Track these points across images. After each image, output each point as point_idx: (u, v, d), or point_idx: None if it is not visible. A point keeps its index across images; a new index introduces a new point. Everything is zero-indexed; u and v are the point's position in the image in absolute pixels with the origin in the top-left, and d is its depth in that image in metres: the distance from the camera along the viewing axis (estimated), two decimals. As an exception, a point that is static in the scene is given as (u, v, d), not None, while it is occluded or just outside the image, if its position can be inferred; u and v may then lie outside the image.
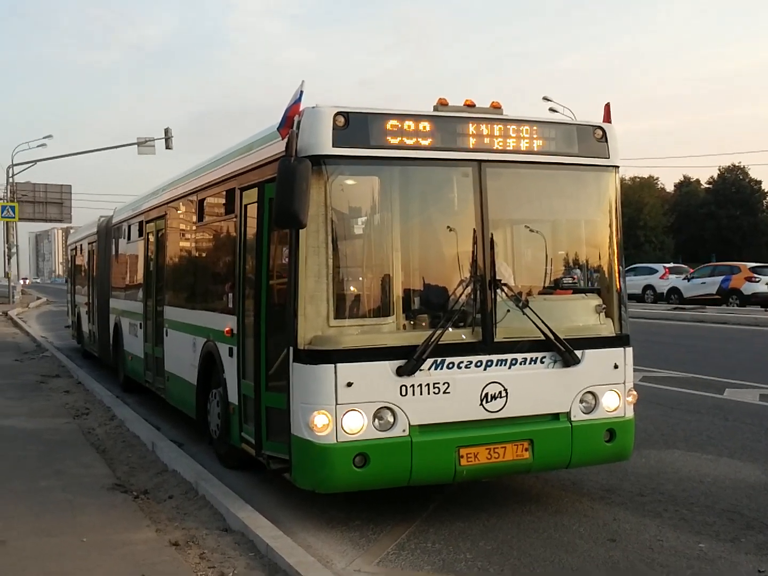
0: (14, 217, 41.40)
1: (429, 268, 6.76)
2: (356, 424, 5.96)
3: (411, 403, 6.07)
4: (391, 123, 6.19)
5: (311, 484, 6.23)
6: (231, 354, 7.68)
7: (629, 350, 6.88)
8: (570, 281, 7.28)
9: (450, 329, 6.23)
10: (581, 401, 6.61)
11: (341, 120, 6.01)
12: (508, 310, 6.44)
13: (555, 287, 7.16)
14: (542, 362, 6.48)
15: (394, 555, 5.87)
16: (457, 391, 6.20)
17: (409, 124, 6.22)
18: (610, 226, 6.99)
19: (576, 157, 6.79)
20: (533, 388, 6.46)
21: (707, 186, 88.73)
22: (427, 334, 6.14)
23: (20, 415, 10.88)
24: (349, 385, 5.93)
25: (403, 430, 6.06)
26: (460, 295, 6.34)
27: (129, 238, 13.75)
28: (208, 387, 8.64)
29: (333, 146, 6.00)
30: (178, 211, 10.72)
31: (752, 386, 12.98)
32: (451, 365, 6.20)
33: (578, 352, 6.54)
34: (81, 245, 19.20)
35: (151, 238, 11.91)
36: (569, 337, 6.53)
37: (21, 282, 66.82)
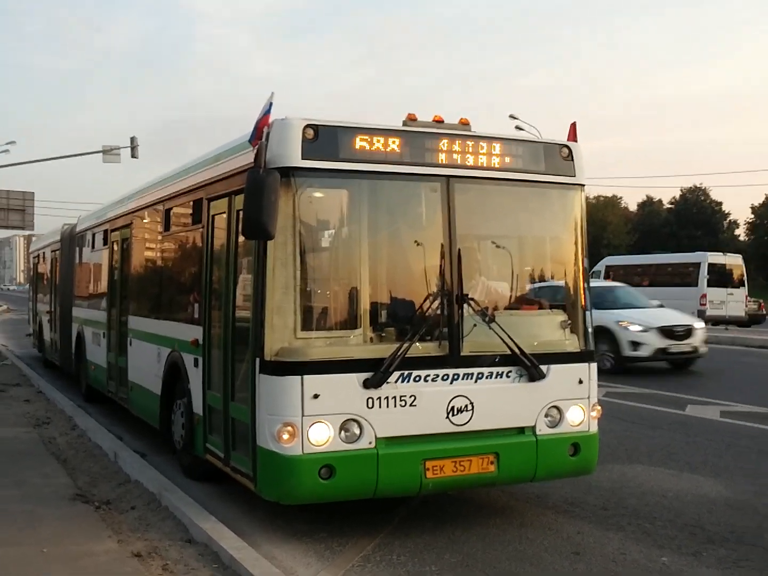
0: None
1: (397, 281, 6.75)
2: (322, 436, 5.93)
3: (377, 415, 6.05)
4: (361, 137, 6.19)
5: (277, 496, 6.19)
6: (196, 364, 7.61)
7: (593, 365, 6.94)
8: (535, 297, 7.33)
9: (417, 343, 6.22)
10: (546, 415, 6.64)
11: (310, 132, 6.00)
12: (475, 325, 6.44)
13: (521, 303, 7.19)
14: (508, 376, 6.48)
15: (359, 567, 5.84)
16: (423, 404, 6.19)
17: (378, 139, 6.22)
18: (575, 243, 7.05)
19: (542, 174, 6.82)
20: (499, 402, 6.47)
21: (669, 206, 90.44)
22: (394, 347, 6.12)
23: (-21, 424, 10.70)
24: (316, 396, 5.90)
25: (370, 443, 6.04)
26: (428, 309, 6.34)
27: (93, 247, 13.55)
28: (172, 398, 8.55)
29: (302, 158, 5.97)
30: (144, 221, 10.59)
31: (713, 403, 13.17)
32: (417, 378, 6.19)
33: (543, 367, 6.55)
34: (44, 253, 18.95)
35: (116, 247, 11.77)
36: (535, 352, 6.55)
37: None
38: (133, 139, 38.35)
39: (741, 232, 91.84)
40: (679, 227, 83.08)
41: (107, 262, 12.26)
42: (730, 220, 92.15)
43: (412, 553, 6.09)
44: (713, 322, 30.37)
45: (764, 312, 36.88)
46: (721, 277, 32.13)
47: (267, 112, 6.11)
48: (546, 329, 7.08)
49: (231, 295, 6.89)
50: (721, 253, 35.36)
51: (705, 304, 31.09)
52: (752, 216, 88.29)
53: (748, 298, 34.53)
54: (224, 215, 7.11)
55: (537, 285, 7.49)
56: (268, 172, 5.79)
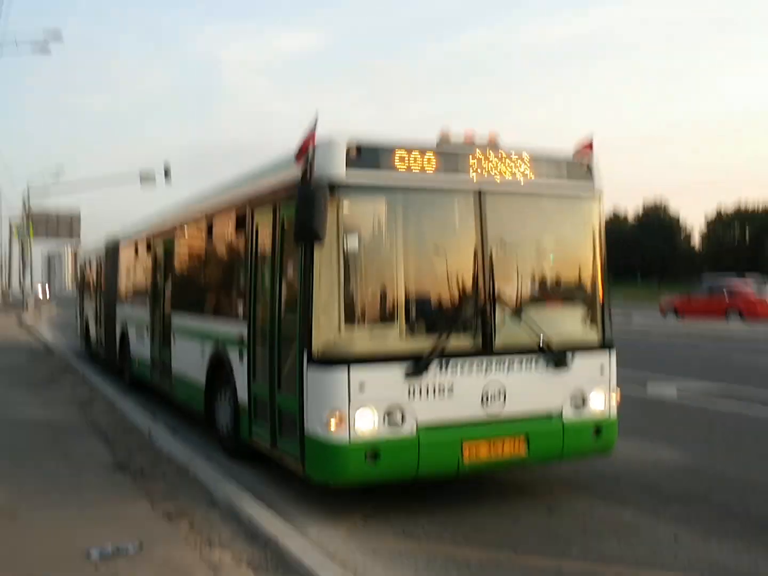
0: (29, 237, 40.72)
1: (432, 282, 6.42)
2: (368, 424, 5.71)
3: (418, 403, 5.86)
4: (399, 154, 6.01)
5: (325, 480, 6.00)
6: (241, 358, 7.37)
7: (613, 355, 6.75)
8: (560, 294, 7.07)
9: (453, 336, 6.03)
10: (571, 401, 6.44)
11: (353, 150, 5.85)
12: (505, 319, 6.29)
13: (547, 299, 6.96)
14: (536, 365, 6.31)
15: (361, 524, 5.87)
16: (460, 392, 6.00)
17: (415, 155, 6.05)
18: (595, 247, 6.87)
19: (564, 188, 6.68)
20: (528, 389, 6.27)
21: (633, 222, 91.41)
22: (433, 340, 5.97)
23: (32, 406, 10.72)
24: (362, 387, 5.70)
25: (411, 429, 5.83)
26: (462, 306, 6.20)
27: (137, 254, 13.37)
28: (215, 388, 8.34)
29: (346, 173, 5.82)
30: (188, 230, 10.34)
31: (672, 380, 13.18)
32: (454, 368, 6.00)
33: (568, 357, 6.40)
34: (90, 260, 18.86)
35: (159, 254, 11.58)
36: (560, 343, 6.39)
37: (40, 292, 65.72)
38: (166, 165, 38.08)
39: (696, 240, 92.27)
40: (645, 239, 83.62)
41: (151, 268, 12.11)
42: (686, 233, 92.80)
43: (406, 513, 6.10)
44: None
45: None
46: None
47: (312, 131, 5.94)
48: (570, 322, 6.87)
49: (276, 294, 6.69)
50: None
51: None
52: (706, 226, 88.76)
53: None
54: (269, 224, 6.90)
55: (561, 283, 7.15)
56: (317, 187, 5.68)
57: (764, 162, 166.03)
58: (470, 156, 6.27)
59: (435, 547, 5.43)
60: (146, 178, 39.07)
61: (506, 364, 6.19)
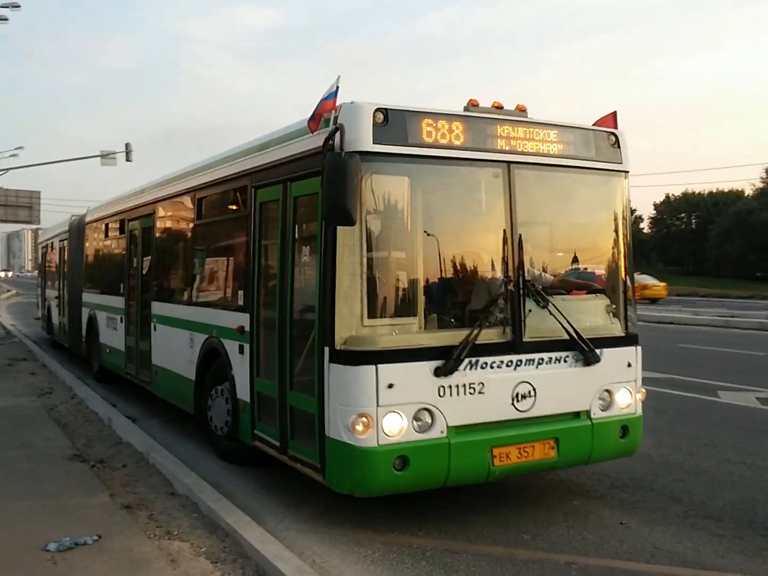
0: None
1: (460, 267, 5.77)
2: (396, 427, 5.06)
3: (448, 403, 5.23)
4: (427, 121, 5.32)
5: (349, 488, 5.29)
6: (241, 351, 6.65)
7: (639, 349, 6.21)
8: (584, 282, 6.49)
9: (483, 329, 5.40)
10: (599, 399, 5.92)
11: (380, 116, 5.14)
12: (533, 310, 5.64)
13: (572, 288, 6.33)
14: (566, 361, 5.74)
15: (320, 515, 5.83)
16: (491, 392, 5.40)
17: (443, 123, 5.36)
18: (621, 229, 6.29)
19: (593, 161, 6.07)
20: (558, 387, 5.71)
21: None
22: (460, 334, 5.32)
23: (-11, 394, 10.47)
24: (390, 386, 5.03)
25: (441, 432, 5.21)
26: (492, 295, 5.59)
27: (107, 236, 12.41)
28: (206, 382, 7.59)
29: (373, 143, 5.11)
30: (170, 210, 9.40)
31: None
32: (484, 365, 5.38)
33: (597, 351, 5.85)
34: (52, 243, 17.83)
35: (136, 236, 10.54)
36: (589, 336, 5.82)
37: (2, 274, 64.10)
38: (127, 145, 37.58)
39: (645, 226, 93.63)
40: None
41: (125, 250, 11.03)
42: (635, 216, 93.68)
43: (364, 504, 6.07)
44: None
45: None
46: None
47: (332, 97, 5.27)
48: (596, 314, 6.27)
49: (287, 283, 5.92)
50: None
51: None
52: (654, 212, 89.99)
53: None
54: (276, 202, 6.15)
55: (586, 270, 6.58)
56: (350, 155, 4.96)
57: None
58: (500, 125, 5.65)
59: (391, 536, 5.43)
60: (107, 157, 38.25)
61: (536, 359, 5.62)
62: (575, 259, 6.39)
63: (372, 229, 5.22)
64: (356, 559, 5.02)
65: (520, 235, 5.59)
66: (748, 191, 59.90)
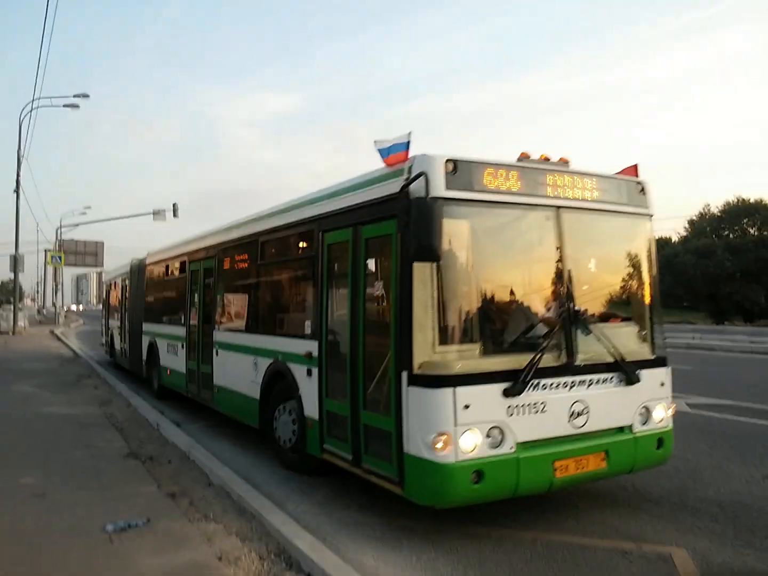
0: (61, 263, 40.04)
1: (517, 299, 5.41)
2: (472, 443, 4.71)
3: (516, 421, 4.89)
4: (488, 170, 5.05)
5: (430, 500, 4.86)
6: (309, 374, 6.22)
7: (669, 370, 5.89)
8: (618, 311, 6.03)
9: (544, 353, 5.07)
10: (639, 414, 5.57)
11: (450, 166, 4.87)
12: (585, 337, 5.33)
13: (610, 316, 5.87)
14: (611, 381, 5.42)
15: (331, 500, 5.78)
16: (551, 410, 5.07)
17: (502, 172, 5.10)
18: (649, 264, 5.96)
19: (625, 206, 5.81)
20: (606, 404, 5.37)
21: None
22: (522, 358, 4.97)
23: (60, 404, 10.39)
24: (467, 407, 4.68)
25: (511, 447, 4.86)
26: (548, 324, 5.25)
27: (168, 274, 11.78)
28: (269, 401, 7.12)
29: (445, 189, 4.82)
30: (235, 251, 8.75)
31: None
32: (545, 386, 5.06)
33: (639, 373, 5.55)
34: (115, 281, 17.37)
35: (198, 274, 9.92)
36: (628, 359, 5.51)
37: (66, 309, 64.06)
38: (174, 205, 38.29)
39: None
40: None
41: (186, 287, 10.48)
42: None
43: (368, 489, 6.02)
44: None
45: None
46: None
47: (403, 149, 5.01)
48: (632, 339, 5.88)
49: (358, 313, 5.49)
50: None
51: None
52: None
53: None
54: (346, 243, 5.74)
55: (627, 300, 6.15)
56: (433, 200, 4.70)
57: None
58: (547, 174, 5.39)
59: (389, 517, 5.37)
60: (158, 214, 38.71)
61: (587, 380, 5.29)
62: (611, 291, 6.01)
63: (442, 266, 4.86)
64: (360, 536, 4.96)
65: (570, 270, 5.33)
66: (675, 238, 60.82)
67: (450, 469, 4.63)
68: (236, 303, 8.78)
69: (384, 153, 5.12)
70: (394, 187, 5.03)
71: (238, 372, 8.04)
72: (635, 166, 6.17)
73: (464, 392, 4.69)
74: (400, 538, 4.93)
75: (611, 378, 5.43)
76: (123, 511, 5.18)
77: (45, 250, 47.70)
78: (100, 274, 50.79)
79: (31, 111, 32.66)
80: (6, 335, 30.64)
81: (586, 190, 5.57)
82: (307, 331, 6.43)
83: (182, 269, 10.92)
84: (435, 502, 4.86)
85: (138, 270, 14.12)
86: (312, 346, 6.23)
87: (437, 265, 4.79)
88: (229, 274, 9.05)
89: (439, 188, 4.79)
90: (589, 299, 5.66)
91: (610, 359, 5.41)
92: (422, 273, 4.78)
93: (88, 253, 48.44)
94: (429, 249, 4.62)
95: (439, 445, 4.61)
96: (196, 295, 10.07)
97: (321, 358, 6.10)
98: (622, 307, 6.06)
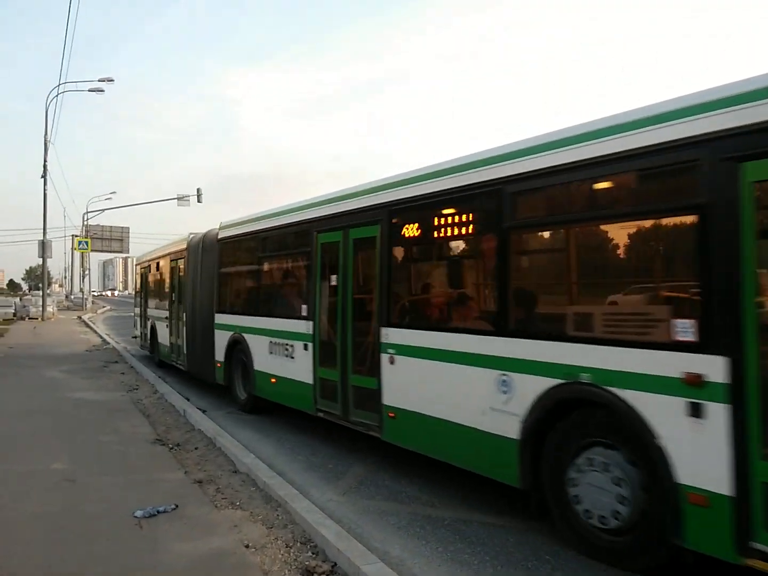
0: (87, 249, 40.72)
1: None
2: None
3: None
4: None
5: None
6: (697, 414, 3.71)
7: None
8: None
9: None
10: None
11: None
12: None
13: None
14: None
15: (355, 488, 5.81)
16: None
17: None
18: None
19: None
20: None
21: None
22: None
23: (89, 390, 10.61)
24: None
25: None
26: None
27: (267, 251, 8.94)
28: (535, 442, 4.72)
29: None
30: (432, 212, 5.83)
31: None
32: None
33: None
34: (158, 263, 14.49)
35: (334, 249, 7.16)
36: None
37: (94, 294, 64.96)
38: (198, 190, 38.50)
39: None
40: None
41: (307, 267, 7.80)
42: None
43: (393, 479, 6.05)
44: None
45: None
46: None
47: None
48: None
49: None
50: None
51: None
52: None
53: None
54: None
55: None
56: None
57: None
58: None
59: (415, 507, 5.38)
60: (182, 199, 39.13)
61: None
62: None
63: None
64: (385, 525, 4.97)
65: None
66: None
67: None
68: (437, 289, 6.22)
69: None
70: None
71: (449, 392, 5.47)
72: None
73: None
74: (425, 528, 4.93)
75: None
76: (151, 496, 5.27)
77: (72, 236, 48.61)
78: (125, 260, 51.38)
79: (57, 96, 32.92)
80: (35, 321, 31.36)
81: None
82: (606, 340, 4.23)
83: (302, 243, 7.93)
84: None
85: (203, 247, 11.04)
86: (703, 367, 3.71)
87: None
88: (424, 244, 6.22)
89: None
90: None
91: None
92: None
93: (114, 239, 49.20)
94: None
95: None
96: (333, 279, 7.21)
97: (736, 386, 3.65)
98: None
